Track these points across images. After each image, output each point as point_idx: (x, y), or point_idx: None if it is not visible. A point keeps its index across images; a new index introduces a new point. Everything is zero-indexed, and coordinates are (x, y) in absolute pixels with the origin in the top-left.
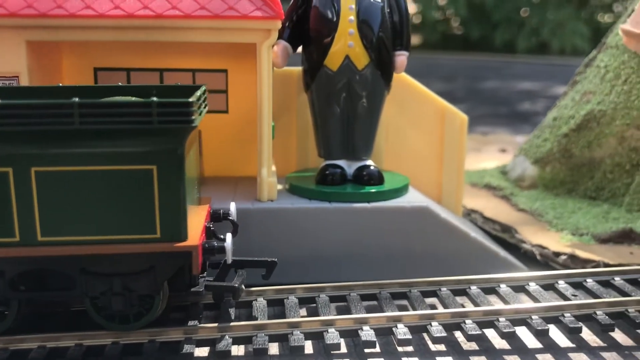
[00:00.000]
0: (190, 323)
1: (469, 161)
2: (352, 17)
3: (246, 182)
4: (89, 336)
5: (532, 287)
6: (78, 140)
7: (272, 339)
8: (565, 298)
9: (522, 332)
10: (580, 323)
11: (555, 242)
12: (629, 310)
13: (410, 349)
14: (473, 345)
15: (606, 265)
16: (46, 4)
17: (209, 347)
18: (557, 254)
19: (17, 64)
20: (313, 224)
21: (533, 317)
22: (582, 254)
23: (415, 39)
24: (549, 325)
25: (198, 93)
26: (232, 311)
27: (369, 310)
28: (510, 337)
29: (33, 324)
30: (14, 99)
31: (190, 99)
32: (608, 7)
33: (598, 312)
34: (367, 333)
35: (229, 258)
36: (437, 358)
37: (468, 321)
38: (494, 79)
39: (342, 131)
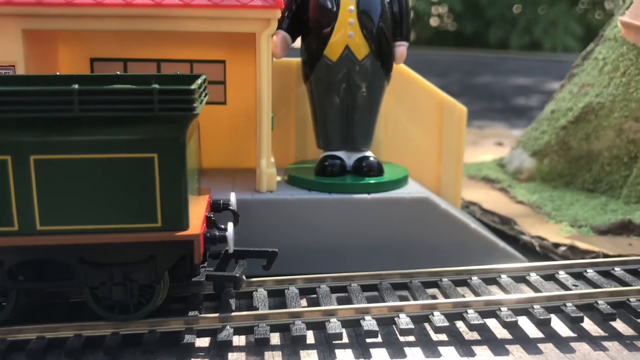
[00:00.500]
0: (191, 314)
1: (466, 154)
2: (352, 7)
3: (244, 174)
4: (88, 327)
5: (533, 277)
6: (78, 128)
7: (274, 329)
8: (566, 288)
9: (524, 322)
10: (581, 312)
11: (554, 233)
12: (630, 299)
13: (412, 338)
14: (475, 335)
15: (605, 256)
16: None
17: (209, 338)
18: (557, 245)
19: (13, 53)
20: (313, 215)
21: (535, 306)
22: (581, 245)
23: None
24: (550, 314)
25: (199, 81)
26: (232, 302)
27: (369, 300)
28: (512, 326)
29: (31, 316)
30: (11, 87)
31: (192, 86)
32: (600, 5)
33: (599, 302)
34: (369, 323)
35: (231, 247)
36: (439, 348)
37: (470, 311)
38: (488, 74)
39: (342, 122)
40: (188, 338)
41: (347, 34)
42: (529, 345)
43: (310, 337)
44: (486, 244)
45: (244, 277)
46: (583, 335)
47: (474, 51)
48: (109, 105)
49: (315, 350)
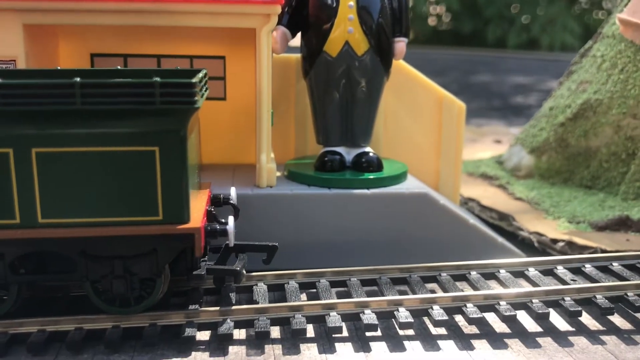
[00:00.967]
0: (191, 307)
1: (464, 152)
2: (352, 3)
3: (244, 169)
4: (89, 320)
5: (532, 272)
6: (79, 120)
7: (274, 322)
8: (564, 283)
9: (523, 316)
10: (580, 307)
11: (553, 229)
12: (628, 294)
13: (411, 332)
14: (474, 329)
15: (603, 251)
16: None
17: (210, 331)
18: (555, 241)
19: (14, 47)
20: (312, 210)
21: (533, 300)
22: (579, 240)
23: None
24: (549, 309)
25: (200, 75)
26: (232, 295)
27: (369, 295)
28: (511, 320)
29: (33, 309)
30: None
31: (193, 80)
32: (598, 4)
33: (598, 296)
34: (368, 316)
35: (232, 241)
36: (438, 341)
37: (469, 305)
38: (487, 73)
39: (341, 118)
40: (189, 331)
41: (346, 30)
42: (528, 339)
43: (310, 331)
44: (485, 240)
45: (244, 271)
46: (581, 330)
47: (472, 50)
48: (110, 98)
49: (315, 344)
